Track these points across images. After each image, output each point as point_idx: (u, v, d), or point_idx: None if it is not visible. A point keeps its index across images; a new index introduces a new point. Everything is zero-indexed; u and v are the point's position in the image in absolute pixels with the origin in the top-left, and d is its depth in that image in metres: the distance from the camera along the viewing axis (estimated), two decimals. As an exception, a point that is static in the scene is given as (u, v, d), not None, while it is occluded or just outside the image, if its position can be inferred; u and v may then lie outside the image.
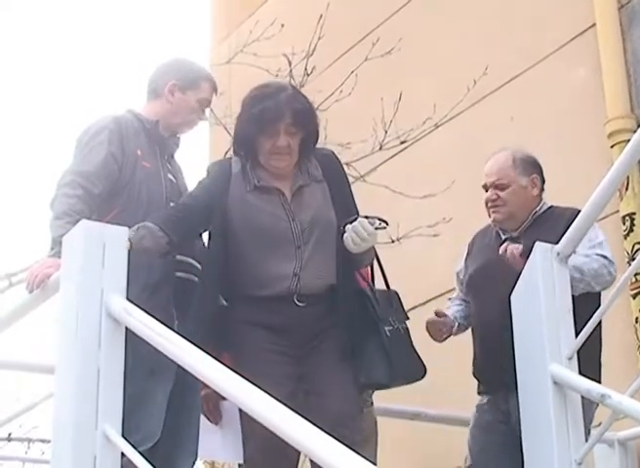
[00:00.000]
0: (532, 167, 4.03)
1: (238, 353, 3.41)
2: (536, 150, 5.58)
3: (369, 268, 3.67)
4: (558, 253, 3.25)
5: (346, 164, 4.96)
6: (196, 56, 4.37)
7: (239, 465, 3.76)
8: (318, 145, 3.72)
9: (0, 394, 10.34)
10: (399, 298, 3.67)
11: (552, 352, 3.14)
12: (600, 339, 3.83)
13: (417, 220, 5.97)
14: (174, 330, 2.83)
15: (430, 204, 5.94)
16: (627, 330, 5.20)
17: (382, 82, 6.84)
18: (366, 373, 3.45)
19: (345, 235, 3.44)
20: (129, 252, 2.95)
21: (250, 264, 3.48)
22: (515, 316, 3.31)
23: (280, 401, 2.19)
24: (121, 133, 3.70)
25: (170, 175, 3.80)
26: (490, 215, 4.03)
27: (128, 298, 2.84)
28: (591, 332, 3.12)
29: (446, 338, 4.01)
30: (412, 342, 3.62)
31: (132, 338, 2.79)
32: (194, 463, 3.74)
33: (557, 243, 3.61)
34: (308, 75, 6.34)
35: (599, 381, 3.48)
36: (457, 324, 4.01)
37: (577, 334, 3.18)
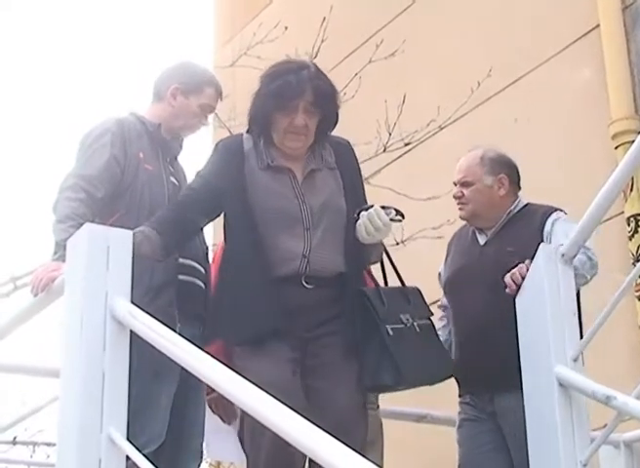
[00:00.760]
0: (501, 166, 4.01)
1: (240, 341, 3.32)
2: (540, 152, 5.59)
3: (379, 265, 3.57)
4: (563, 255, 3.25)
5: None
6: (200, 58, 4.35)
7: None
8: None
9: (5, 397, 10.35)
10: (420, 294, 3.55)
11: (557, 354, 3.14)
12: (580, 324, 3.78)
13: (421, 222, 5.97)
14: (176, 332, 2.83)
15: (434, 206, 5.93)
16: (632, 331, 5.19)
17: (386, 84, 6.85)
18: (371, 375, 3.33)
19: (359, 222, 3.33)
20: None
21: (263, 245, 3.34)
22: (520, 318, 3.31)
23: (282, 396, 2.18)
24: (123, 135, 3.70)
25: (172, 178, 3.80)
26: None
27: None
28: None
29: None
30: (436, 338, 3.52)
31: (135, 341, 2.79)
32: (199, 465, 3.74)
33: (530, 240, 3.65)
34: (312, 77, 6.33)
35: None
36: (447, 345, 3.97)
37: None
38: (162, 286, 3.54)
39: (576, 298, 3.31)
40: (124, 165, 3.66)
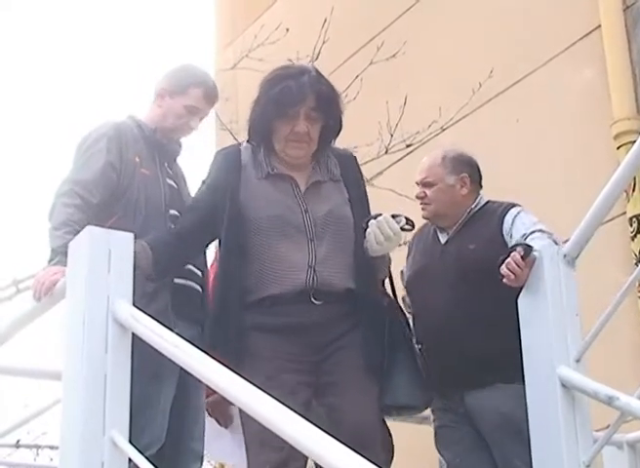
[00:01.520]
0: (462, 166, 4.01)
1: (249, 361, 3.12)
2: (542, 152, 5.59)
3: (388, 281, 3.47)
4: (565, 256, 3.24)
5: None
6: (202, 62, 4.34)
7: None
8: None
9: (8, 400, 10.36)
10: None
11: (560, 354, 3.13)
12: None
13: (422, 224, 5.95)
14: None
15: (437, 207, 5.92)
16: (635, 331, 5.19)
17: (388, 86, 6.85)
18: (392, 394, 3.19)
19: (368, 231, 3.20)
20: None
21: (264, 258, 3.21)
22: (522, 319, 3.30)
23: (294, 410, 2.12)
24: (120, 140, 3.69)
25: (170, 181, 3.78)
26: None
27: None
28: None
29: None
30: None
31: (134, 342, 2.79)
32: (200, 467, 3.74)
33: (491, 237, 3.71)
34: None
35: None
36: None
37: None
38: (157, 290, 3.51)
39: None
40: (120, 170, 3.65)
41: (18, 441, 8.47)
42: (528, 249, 3.32)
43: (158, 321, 2.75)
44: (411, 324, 3.54)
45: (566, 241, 3.32)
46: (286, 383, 3.08)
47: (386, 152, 6.50)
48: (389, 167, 6.64)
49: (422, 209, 4.00)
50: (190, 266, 3.66)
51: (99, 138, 3.68)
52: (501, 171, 5.83)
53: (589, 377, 3.10)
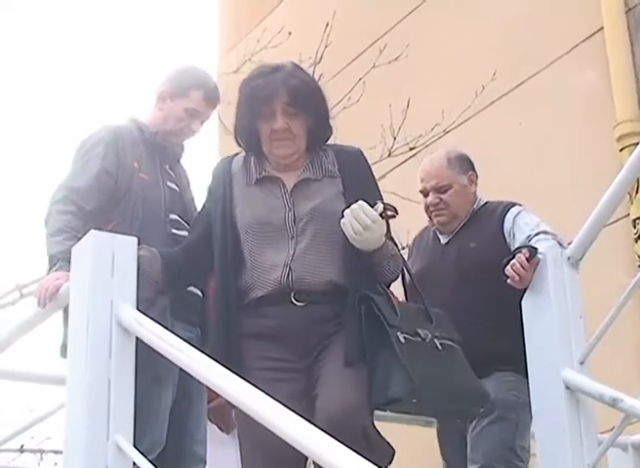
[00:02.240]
0: (467, 164, 4.00)
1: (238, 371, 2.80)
2: (545, 154, 5.58)
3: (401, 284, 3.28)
4: (569, 258, 3.24)
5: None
6: (204, 65, 4.31)
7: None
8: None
9: (12, 405, 10.36)
10: (448, 319, 3.24)
11: (564, 357, 3.13)
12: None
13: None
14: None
15: (440, 210, 5.92)
16: (639, 334, 5.18)
17: (390, 89, 6.85)
18: (381, 390, 2.97)
19: (343, 221, 3.03)
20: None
21: (252, 263, 3.11)
22: (526, 321, 3.30)
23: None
24: (117, 145, 3.66)
25: (171, 184, 3.76)
26: (431, 219, 4.00)
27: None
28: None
29: None
30: (466, 363, 3.13)
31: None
32: (202, 470, 3.73)
33: (492, 236, 3.71)
34: (316, 83, 6.35)
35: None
36: None
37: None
38: (155, 296, 3.49)
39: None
40: (117, 175, 3.63)
41: (22, 445, 8.48)
42: (533, 251, 3.32)
43: (158, 323, 2.75)
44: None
45: (570, 242, 3.32)
46: (278, 396, 2.79)
47: (389, 155, 6.49)
48: (392, 170, 6.63)
49: (438, 215, 3.93)
50: None
51: (96, 143, 3.66)
52: (504, 172, 5.84)
53: (594, 380, 3.10)
